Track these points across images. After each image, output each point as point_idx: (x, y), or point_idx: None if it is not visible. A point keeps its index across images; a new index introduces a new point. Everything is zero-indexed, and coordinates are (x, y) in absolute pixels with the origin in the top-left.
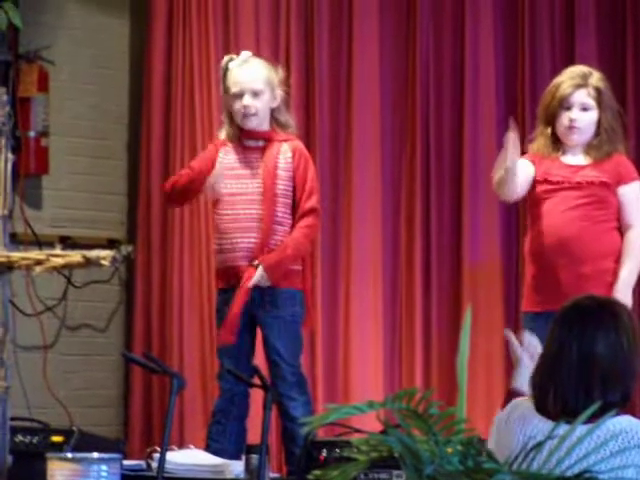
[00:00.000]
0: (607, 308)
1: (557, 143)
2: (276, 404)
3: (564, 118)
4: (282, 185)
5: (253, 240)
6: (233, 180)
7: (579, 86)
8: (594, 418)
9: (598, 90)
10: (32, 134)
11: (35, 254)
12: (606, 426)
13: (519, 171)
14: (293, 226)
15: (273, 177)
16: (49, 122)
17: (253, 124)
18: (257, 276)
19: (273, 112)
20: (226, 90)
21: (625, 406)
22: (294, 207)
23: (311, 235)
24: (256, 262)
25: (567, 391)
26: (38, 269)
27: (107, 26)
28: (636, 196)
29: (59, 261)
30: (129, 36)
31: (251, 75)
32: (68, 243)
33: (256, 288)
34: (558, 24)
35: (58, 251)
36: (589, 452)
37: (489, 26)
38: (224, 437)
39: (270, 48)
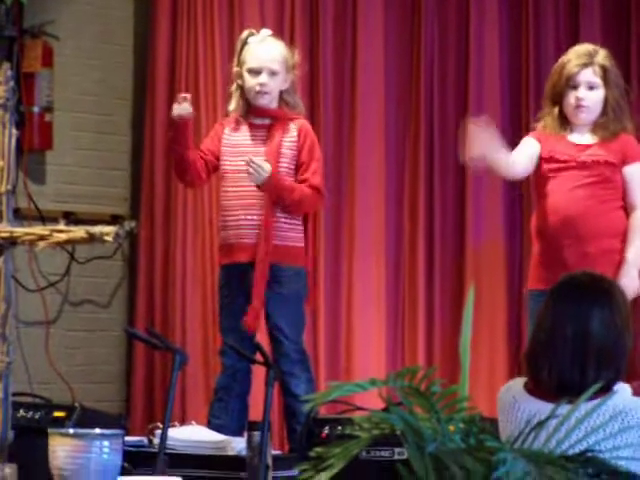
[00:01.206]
0: (601, 284)
1: (564, 122)
2: (278, 381)
3: (571, 97)
4: (286, 163)
5: (256, 217)
6: (238, 157)
7: (585, 65)
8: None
9: (604, 68)
10: (36, 109)
11: (38, 229)
12: (607, 406)
13: (518, 156)
14: None
15: (277, 155)
16: (53, 97)
17: (264, 102)
18: (260, 171)
19: (282, 93)
20: (241, 63)
21: (618, 381)
22: None
23: (314, 204)
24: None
25: (562, 367)
26: (41, 244)
27: (112, 1)
28: (638, 177)
29: (62, 237)
30: (133, 11)
31: (270, 54)
32: (71, 219)
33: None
34: (562, 15)
35: (61, 226)
36: (590, 432)
37: (494, 18)
38: (226, 414)
39: (274, 25)
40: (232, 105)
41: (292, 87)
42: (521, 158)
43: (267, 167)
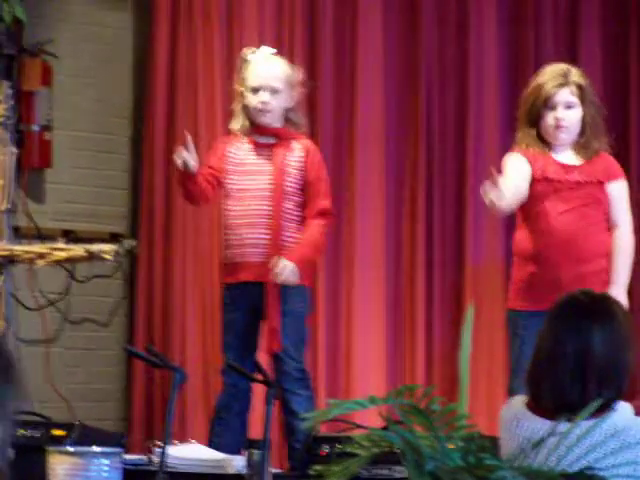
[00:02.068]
0: (602, 303)
1: (542, 143)
2: (278, 399)
3: (550, 118)
4: (291, 182)
5: (263, 236)
6: (243, 176)
7: (562, 85)
8: (592, 414)
9: (580, 87)
10: (35, 128)
11: (38, 248)
12: (607, 423)
13: (512, 186)
14: (301, 223)
15: (283, 174)
16: (52, 116)
17: (267, 120)
18: (287, 272)
19: (286, 111)
20: (242, 82)
21: (619, 400)
22: (301, 204)
23: (327, 230)
24: (279, 259)
25: (563, 386)
26: (41, 263)
27: (110, 20)
28: (622, 194)
29: (62, 255)
30: (132, 30)
31: (272, 72)
32: (71, 237)
33: (263, 283)
34: (562, 14)
35: (61, 245)
36: (589, 450)
37: (493, 20)
38: (226, 432)
39: (273, 42)
40: (235, 124)
41: (296, 105)
42: (512, 188)
43: (287, 264)
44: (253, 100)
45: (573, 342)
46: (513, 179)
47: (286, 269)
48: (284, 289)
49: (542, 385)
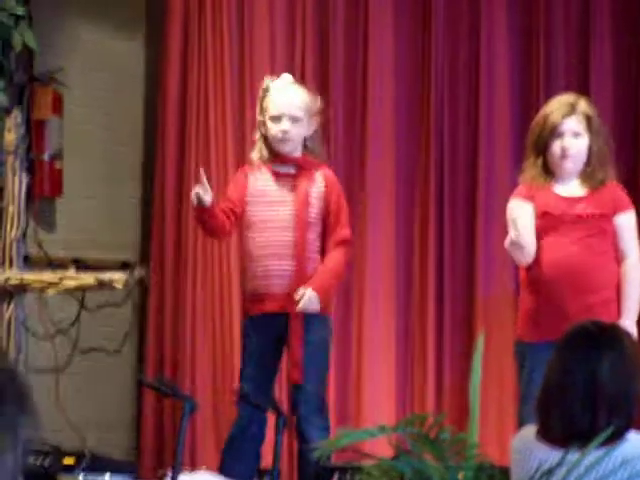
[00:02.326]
0: (610, 333)
1: (548, 173)
2: (289, 428)
3: (556, 147)
4: (314, 212)
5: (287, 267)
6: (265, 207)
7: (569, 114)
8: (602, 444)
9: (587, 116)
10: (46, 156)
11: (48, 276)
12: (617, 453)
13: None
14: (323, 252)
15: (306, 205)
16: (63, 145)
17: (287, 149)
18: (307, 300)
19: (305, 139)
20: (263, 111)
21: (629, 429)
22: (323, 234)
23: (348, 259)
24: (303, 289)
25: (573, 415)
26: (51, 291)
27: (121, 49)
28: (630, 225)
29: (72, 283)
30: (144, 59)
31: (292, 100)
32: (81, 265)
33: (288, 313)
34: (573, 22)
35: (71, 273)
36: (600, 479)
37: (504, 23)
38: (239, 461)
39: (285, 64)
40: (255, 154)
41: (315, 134)
42: (532, 236)
43: (308, 292)
44: (274, 129)
45: (582, 371)
46: (529, 227)
47: (307, 297)
48: (307, 319)
49: (552, 414)
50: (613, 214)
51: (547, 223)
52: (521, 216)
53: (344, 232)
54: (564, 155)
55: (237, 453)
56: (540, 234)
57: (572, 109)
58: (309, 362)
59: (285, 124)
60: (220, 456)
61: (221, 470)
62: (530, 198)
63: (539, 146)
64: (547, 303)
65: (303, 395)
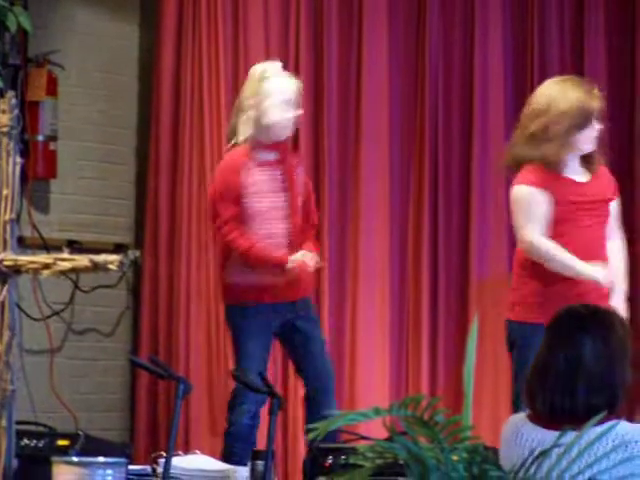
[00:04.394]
0: (599, 315)
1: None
2: (283, 409)
3: (592, 131)
4: (301, 198)
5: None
6: (262, 198)
7: (598, 98)
8: (580, 423)
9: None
10: (40, 138)
11: (42, 258)
12: (611, 434)
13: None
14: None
15: (296, 192)
16: (57, 126)
17: (288, 134)
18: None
19: None
20: (263, 95)
21: (613, 412)
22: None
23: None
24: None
25: (553, 393)
26: (45, 273)
27: (116, 31)
28: (619, 208)
29: (66, 265)
30: (138, 41)
31: (295, 87)
32: (75, 247)
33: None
34: (567, 18)
35: (65, 255)
36: (594, 461)
37: (498, 21)
38: (249, 451)
39: (279, 52)
40: (241, 136)
41: None
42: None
43: (311, 256)
44: (282, 114)
45: (564, 350)
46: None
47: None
48: (307, 300)
49: (536, 394)
50: (613, 198)
51: (567, 209)
52: (560, 250)
53: (316, 217)
54: (596, 137)
55: (247, 444)
56: (559, 222)
57: (597, 94)
58: (320, 338)
59: (298, 110)
60: (226, 444)
61: (228, 459)
62: (544, 187)
63: (573, 132)
64: (563, 288)
65: (331, 385)
